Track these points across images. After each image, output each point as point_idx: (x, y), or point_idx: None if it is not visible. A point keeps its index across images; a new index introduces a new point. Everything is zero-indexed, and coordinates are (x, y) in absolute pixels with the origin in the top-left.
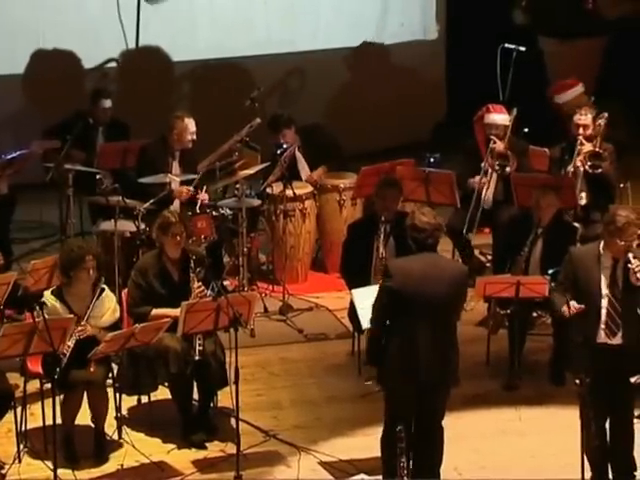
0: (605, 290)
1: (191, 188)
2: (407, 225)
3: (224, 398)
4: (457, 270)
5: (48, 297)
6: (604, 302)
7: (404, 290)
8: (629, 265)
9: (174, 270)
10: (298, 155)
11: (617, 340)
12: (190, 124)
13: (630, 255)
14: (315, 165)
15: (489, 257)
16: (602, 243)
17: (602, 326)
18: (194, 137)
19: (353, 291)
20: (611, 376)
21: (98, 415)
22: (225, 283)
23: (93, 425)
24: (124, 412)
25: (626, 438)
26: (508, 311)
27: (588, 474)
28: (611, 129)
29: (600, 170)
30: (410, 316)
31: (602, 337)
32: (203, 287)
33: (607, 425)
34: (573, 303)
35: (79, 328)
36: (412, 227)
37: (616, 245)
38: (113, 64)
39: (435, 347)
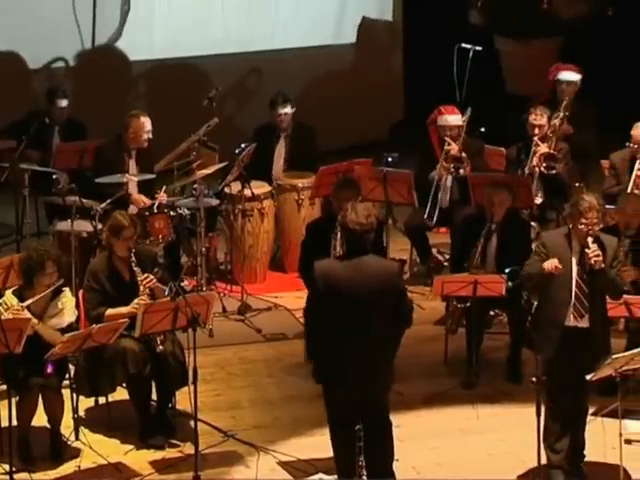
0: (574, 274)
1: (148, 201)
2: (338, 224)
3: (182, 399)
4: (383, 269)
5: (9, 297)
6: (573, 285)
7: (327, 293)
8: (586, 250)
9: (124, 269)
10: (281, 148)
11: (584, 323)
12: (146, 123)
13: (589, 240)
14: (290, 163)
15: (447, 256)
16: (569, 228)
17: (571, 309)
18: (150, 136)
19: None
20: (577, 359)
21: (54, 417)
22: (183, 283)
23: (49, 427)
24: (81, 413)
25: (583, 419)
26: (467, 304)
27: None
28: (578, 130)
29: (554, 171)
30: (338, 318)
31: (571, 320)
32: (149, 276)
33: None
34: (553, 261)
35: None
36: (343, 226)
37: (578, 228)
38: (69, 63)
39: (365, 348)
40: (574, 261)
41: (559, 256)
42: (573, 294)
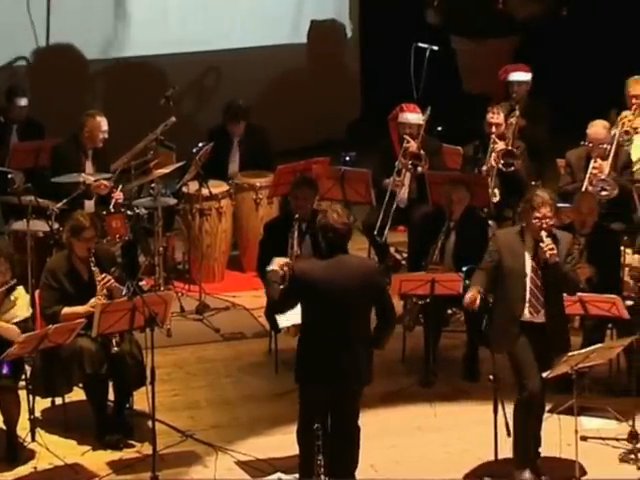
0: (528, 269)
1: (107, 181)
2: (319, 224)
3: (140, 399)
4: (365, 267)
5: None
6: (527, 281)
7: (307, 294)
8: (540, 244)
9: (83, 269)
10: (235, 151)
11: (540, 318)
12: (102, 122)
13: (543, 234)
14: (245, 166)
15: (404, 255)
16: (522, 227)
17: (526, 304)
18: (106, 136)
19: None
20: (535, 353)
21: (10, 418)
22: (141, 283)
23: (5, 428)
24: (38, 414)
25: (539, 416)
26: (427, 300)
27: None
28: (531, 127)
29: (512, 168)
30: (318, 318)
31: (527, 315)
32: (107, 276)
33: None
34: (470, 295)
35: None
36: (325, 226)
37: (532, 224)
38: (30, 62)
39: (346, 348)
40: (527, 257)
41: (512, 253)
42: (528, 290)
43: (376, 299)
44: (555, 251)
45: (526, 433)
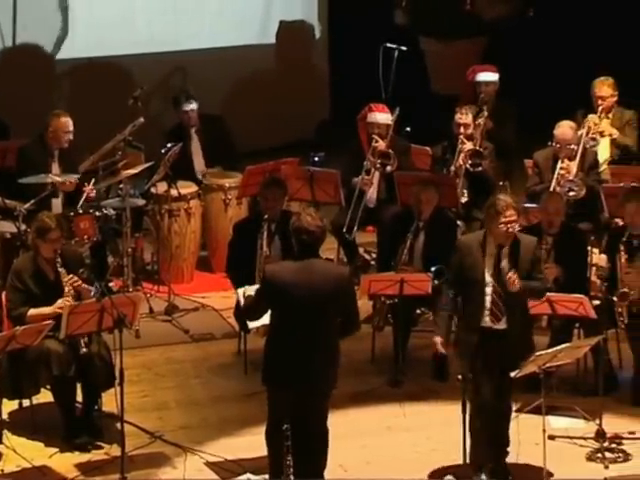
0: (489, 277)
1: (73, 178)
2: (292, 227)
3: (109, 400)
4: (335, 273)
5: None
6: (488, 289)
7: (276, 296)
8: (506, 277)
9: (49, 270)
10: (195, 143)
11: (502, 325)
12: (66, 122)
13: (505, 266)
14: (209, 155)
15: (374, 255)
16: (486, 230)
17: (487, 312)
18: (70, 137)
19: (239, 290)
20: (497, 359)
21: None
22: (109, 284)
23: None
24: (5, 416)
25: (507, 416)
26: (395, 300)
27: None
28: (499, 127)
29: (480, 168)
30: (286, 320)
31: (487, 322)
32: (74, 277)
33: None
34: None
35: None
36: (299, 229)
37: (497, 229)
38: None
39: (313, 352)
40: (489, 265)
41: (473, 261)
42: (489, 298)
43: (344, 305)
44: (517, 283)
45: (478, 437)
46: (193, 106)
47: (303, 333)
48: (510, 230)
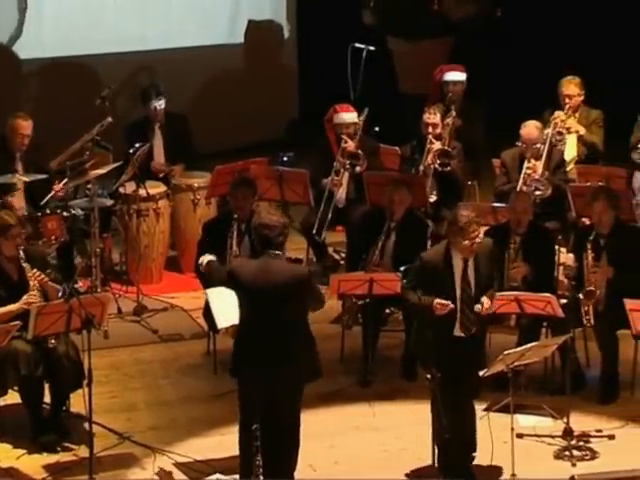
0: (458, 290)
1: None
2: (254, 225)
3: (77, 401)
4: (288, 274)
5: None
6: (458, 302)
7: (237, 293)
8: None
9: (12, 269)
10: (158, 140)
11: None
12: (23, 125)
13: (485, 304)
14: (169, 152)
15: (343, 255)
16: (448, 243)
17: (457, 324)
18: (26, 141)
19: (208, 290)
20: (463, 362)
21: None
22: (77, 285)
23: None
24: None
25: (473, 420)
26: (366, 301)
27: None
28: (467, 127)
29: (449, 168)
30: (249, 315)
31: (458, 332)
32: (37, 271)
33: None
34: (439, 300)
35: None
36: (261, 225)
37: (461, 244)
38: None
39: (278, 347)
40: (457, 278)
41: (441, 278)
42: (459, 309)
43: (306, 298)
44: (491, 309)
45: (444, 440)
46: (162, 102)
47: (266, 328)
48: (474, 246)
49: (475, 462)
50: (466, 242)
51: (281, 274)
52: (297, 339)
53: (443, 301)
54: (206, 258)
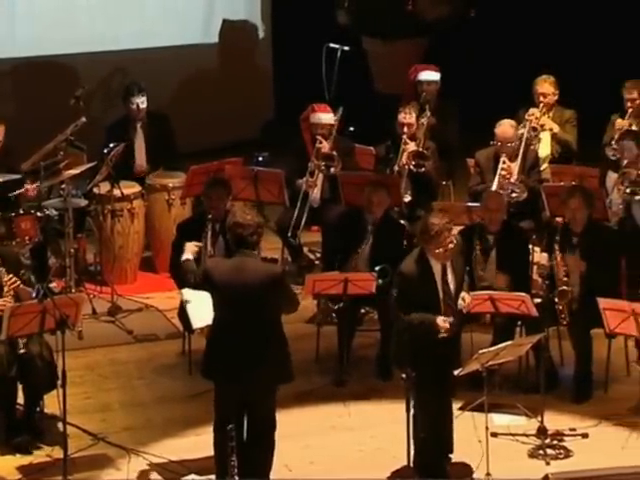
0: (441, 293)
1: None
2: (229, 223)
3: (51, 402)
4: (262, 274)
5: None
6: (442, 305)
7: (211, 293)
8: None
9: None
10: (140, 139)
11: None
12: None
13: (450, 277)
14: (151, 152)
15: (318, 255)
16: (422, 249)
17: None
18: None
19: (183, 291)
20: (442, 361)
21: None
22: (51, 285)
23: None
24: None
25: (451, 421)
26: (340, 305)
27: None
28: (442, 126)
29: (423, 169)
30: (223, 316)
31: (442, 334)
32: (13, 277)
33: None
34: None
35: None
36: (235, 224)
37: (434, 252)
38: None
39: (249, 346)
40: (438, 282)
41: (422, 286)
42: (443, 312)
43: (279, 298)
44: (470, 306)
45: (421, 440)
46: (144, 100)
47: (239, 329)
48: (448, 252)
49: (451, 461)
50: (439, 250)
51: (255, 273)
52: (271, 339)
53: (444, 318)
54: (185, 255)
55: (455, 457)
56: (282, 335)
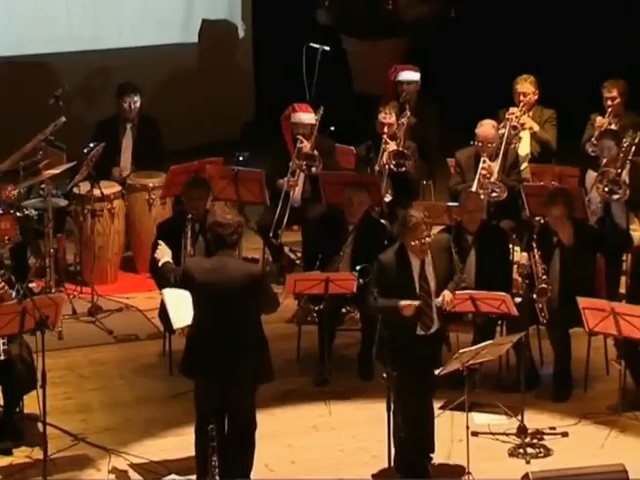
0: (417, 289)
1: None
2: (208, 224)
3: (31, 402)
4: (242, 273)
5: None
6: (417, 301)
7: (191, 292)
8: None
9: None
10: (127, 140)
11: (432, 330)
12: None
13: (429, 272)
14: (137, 154)
15: (299, 254)
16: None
17: (419, 322)
18: None
19: (164, 291)
20: (423, 361)
21: None
22: (31, 285)
23: None
24: None
25: (432, 420)
26: (321, 307)
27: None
28: (421, 126)
29: (404, 168)
30: (204, 315)
31: (419, 330)
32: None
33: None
34: (410, 305)
35: None
36: (215, 223)
37: (410, 244)
38: None
39: (229, 346)
40: (415, 277)
41: (399, 276)
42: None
43: (259, 298)
44: (453, 299)
45: (402, 440)
46: (137, 99)
47: (221, 326)
48: (424, 246)
49: (432, 461)
50: (415, 242)
51: (235, 273)
52: (250, 339)
53: (408, 302)
54: (163, 259)
55: (435, 457)
56: (262, 335)
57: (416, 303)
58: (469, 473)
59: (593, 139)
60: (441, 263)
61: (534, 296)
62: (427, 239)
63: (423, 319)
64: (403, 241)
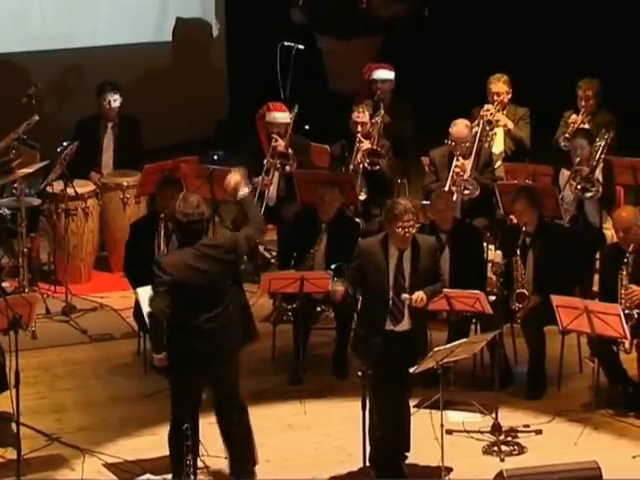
0: (392, 282)
1: None
2: (172, 220)
3: (4, 402)
4: (219, 250)
5: None
6: (391, 292)
7: (175, 282)
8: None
9: None
10: (108, 139)
11: (402, 327)
12: None
13: (407, 266)
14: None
15: (274, 253)
16: (387, 233)
17: (388, 316)
18: None
19: (138, 290)
20: (398, 360)
21: None
22: (4, 285)
23: None
24: None
25: (408, 420)
26: (294, 305)
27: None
28: (396, 125)
29: (378, 167)
30: (186, 306)
31: (389, 325)
32: None
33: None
34: (337, 288)
35: None
36: (179, 216)
37: (394, 232)
38: None
39: (216, 327)
40: (391, 268)
41: (375, 267)
42: (390, 300)
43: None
44: (424, 300)
45: (377, 439)
46: (117, 97)
47: (201, 315)
48: (407, 235)
49: (407, 460)
50: (399, 230)
51: (214, 265)
52: (233, 313)
53: (336, 287)
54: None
55: (411, 455)
56: (244, 301)
57: (342, 288)
58: (450, 469)
59: (566, 134)
60: (422, 265)
61: (516, 306)
62: (411, 229)
63: (393, 312)
64: (387, 229)
